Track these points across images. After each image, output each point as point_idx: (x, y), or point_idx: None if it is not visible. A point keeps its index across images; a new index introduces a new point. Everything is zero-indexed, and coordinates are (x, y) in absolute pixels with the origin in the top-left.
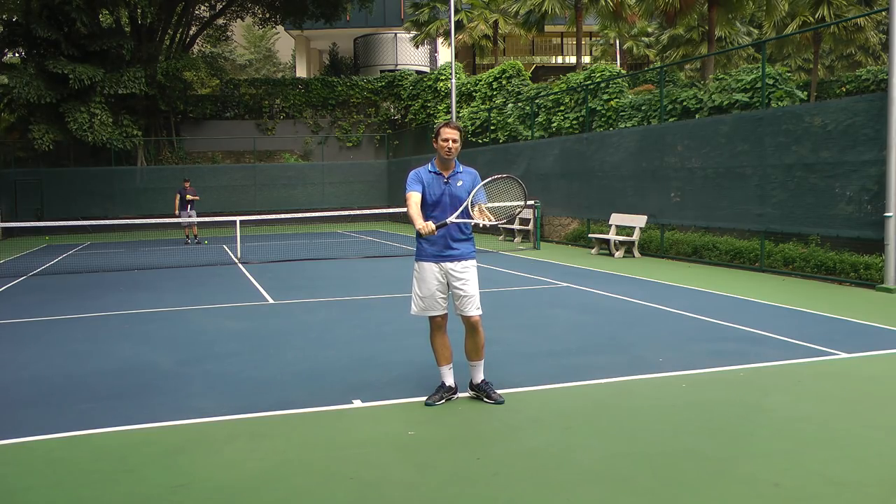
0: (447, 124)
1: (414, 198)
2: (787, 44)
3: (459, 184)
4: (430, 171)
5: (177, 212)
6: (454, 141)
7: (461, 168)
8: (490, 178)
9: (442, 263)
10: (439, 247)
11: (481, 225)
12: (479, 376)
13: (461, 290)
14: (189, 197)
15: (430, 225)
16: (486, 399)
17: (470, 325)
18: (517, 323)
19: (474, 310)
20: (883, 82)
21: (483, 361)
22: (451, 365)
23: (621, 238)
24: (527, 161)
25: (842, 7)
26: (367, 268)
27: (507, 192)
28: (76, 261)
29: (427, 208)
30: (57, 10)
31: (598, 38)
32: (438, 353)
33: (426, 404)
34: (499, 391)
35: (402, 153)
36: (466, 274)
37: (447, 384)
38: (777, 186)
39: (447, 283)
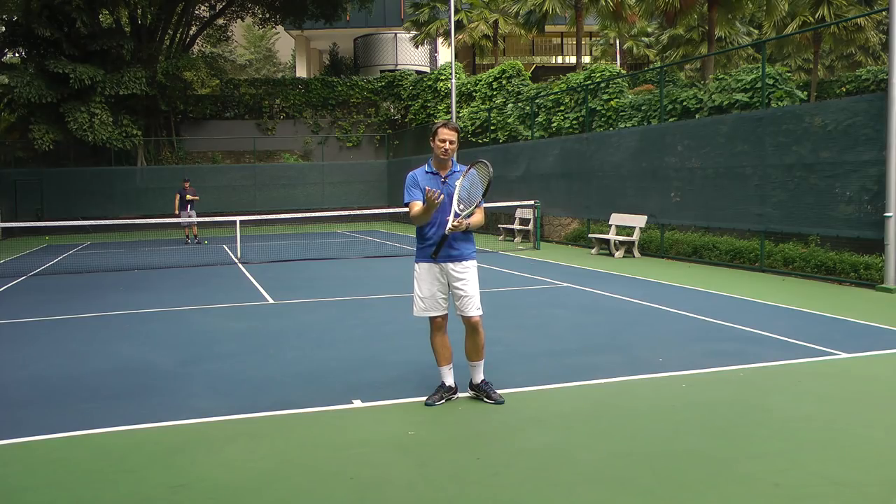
0: (445, 124)
1: (415, 206)
2: (787, 44)
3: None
4: (426, 172)
5: (177, 212)
6: (451, 142)
7: (458, 167)
8: (467, 177)
9: (442, 264)
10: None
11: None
12: (479, 376)
13: (461, 290)
14: (189, 197)
15: (434, 192)
16: (486, 399)
17: (470, 326)
18: (517, 323)
19: (474, 310)
20: (883, 82)
21: (483, 362)
22: (451, 365)
23: (621, 238)
24: (527, 161)
25: (842, 7)
26: (367, 268)
27: (480, 176)
28: (76, 261)
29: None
30: (57, 10)
31: (598, 38)
32: (438, 354)
33: (426, 404)
34: (499, 391)
35: (402, 153)
36: (467, 274)
37: (447, 384)
38: (777, 186)
39: (447, 284)
